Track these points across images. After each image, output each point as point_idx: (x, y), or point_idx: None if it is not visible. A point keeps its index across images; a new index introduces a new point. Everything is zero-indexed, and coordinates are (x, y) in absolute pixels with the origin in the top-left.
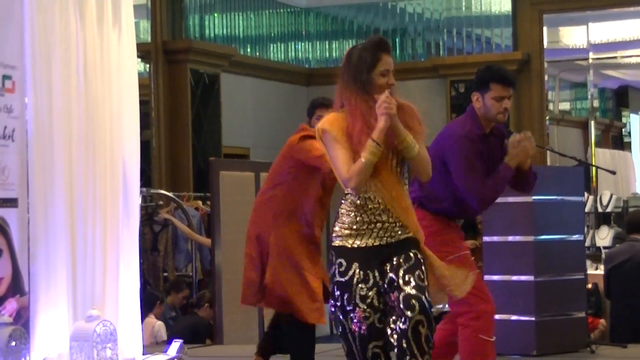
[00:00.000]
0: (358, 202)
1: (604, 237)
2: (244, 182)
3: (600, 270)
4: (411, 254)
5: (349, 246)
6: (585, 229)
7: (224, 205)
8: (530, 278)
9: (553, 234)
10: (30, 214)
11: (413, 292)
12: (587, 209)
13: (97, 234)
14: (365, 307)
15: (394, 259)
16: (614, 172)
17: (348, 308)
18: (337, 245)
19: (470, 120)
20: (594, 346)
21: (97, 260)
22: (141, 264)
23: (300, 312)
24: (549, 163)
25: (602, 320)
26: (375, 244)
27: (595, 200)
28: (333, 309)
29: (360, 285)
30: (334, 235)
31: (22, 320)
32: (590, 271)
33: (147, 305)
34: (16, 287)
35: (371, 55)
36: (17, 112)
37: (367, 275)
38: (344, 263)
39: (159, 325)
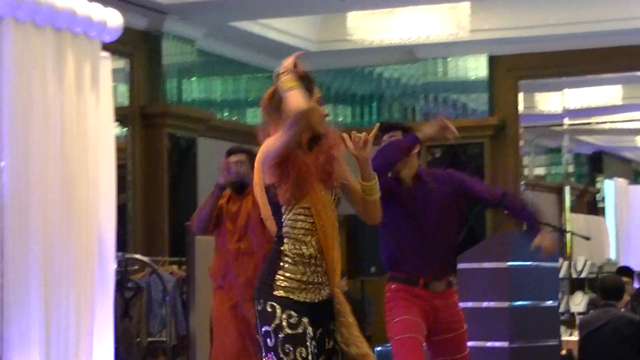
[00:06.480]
0: (304, 250)
1: (579, 302)
2: None
3: (575, 336)
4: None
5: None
6: (560, 295)
7: (199, 270)
8: (505, 344)
9: (527, 299)
10: (4, 278)
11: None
12: (561, 275)
13: (71, 299)
14: None
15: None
16: (588, 238)
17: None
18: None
19: None
20: None
21: (71, 326)
22: (115, 331)
23: None
24: (523, 228)
25: None
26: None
27: (569, 266)
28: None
29: (312, 342)
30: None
31: None
32: (564, 337)
33: None
34: None
35: None
36: None
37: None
38: (294, 315)
39: None
